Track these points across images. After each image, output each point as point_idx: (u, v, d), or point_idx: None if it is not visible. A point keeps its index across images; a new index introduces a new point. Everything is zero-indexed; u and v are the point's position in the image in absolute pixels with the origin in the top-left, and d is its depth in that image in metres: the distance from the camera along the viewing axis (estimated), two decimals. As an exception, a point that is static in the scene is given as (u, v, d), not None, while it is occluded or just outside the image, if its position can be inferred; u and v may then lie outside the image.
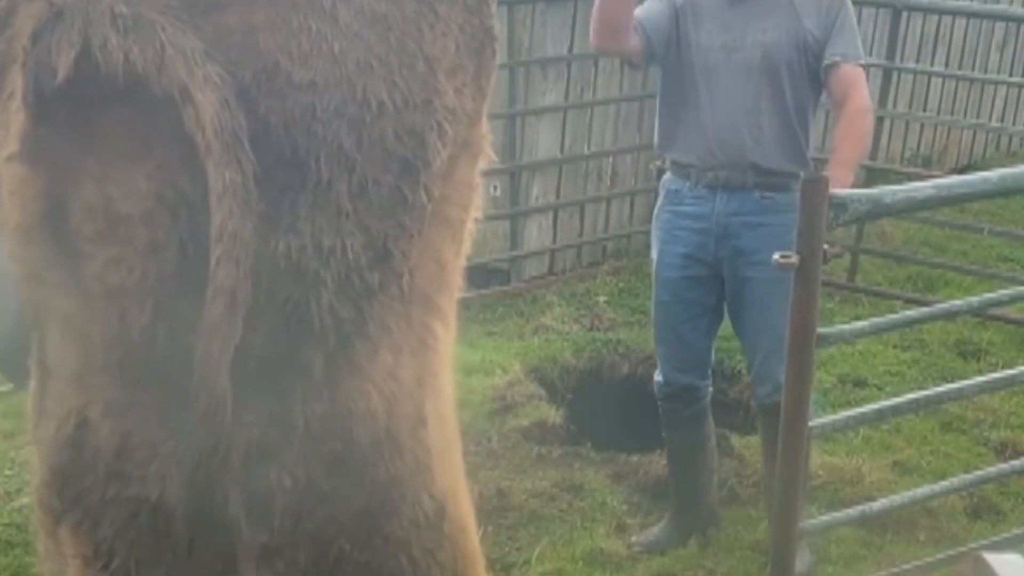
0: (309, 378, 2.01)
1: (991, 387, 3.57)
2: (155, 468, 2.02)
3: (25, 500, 4.46)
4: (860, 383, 5.52)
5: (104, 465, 2.05)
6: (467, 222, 2.24)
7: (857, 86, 3.91)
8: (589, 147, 6.93)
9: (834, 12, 3.92)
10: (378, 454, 2.09)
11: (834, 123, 4.15)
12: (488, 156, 2.25)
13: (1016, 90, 9.26)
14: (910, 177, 7.78)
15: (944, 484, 3.62)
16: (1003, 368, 5.71)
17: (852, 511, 3.44)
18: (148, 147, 1.93)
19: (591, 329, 6.12)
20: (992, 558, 2.05)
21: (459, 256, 2.24)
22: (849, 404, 5.34)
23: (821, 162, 4.49)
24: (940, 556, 3.69)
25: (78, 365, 2.07)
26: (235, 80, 1.90)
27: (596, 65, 6.85)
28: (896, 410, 3.34)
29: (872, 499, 4.42)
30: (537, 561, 4.22)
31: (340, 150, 1.95)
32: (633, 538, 4.34)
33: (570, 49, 6.69)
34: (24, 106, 1.92)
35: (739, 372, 5.45)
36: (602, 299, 6.50)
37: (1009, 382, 3.71)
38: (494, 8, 2.16)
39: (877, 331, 3.53)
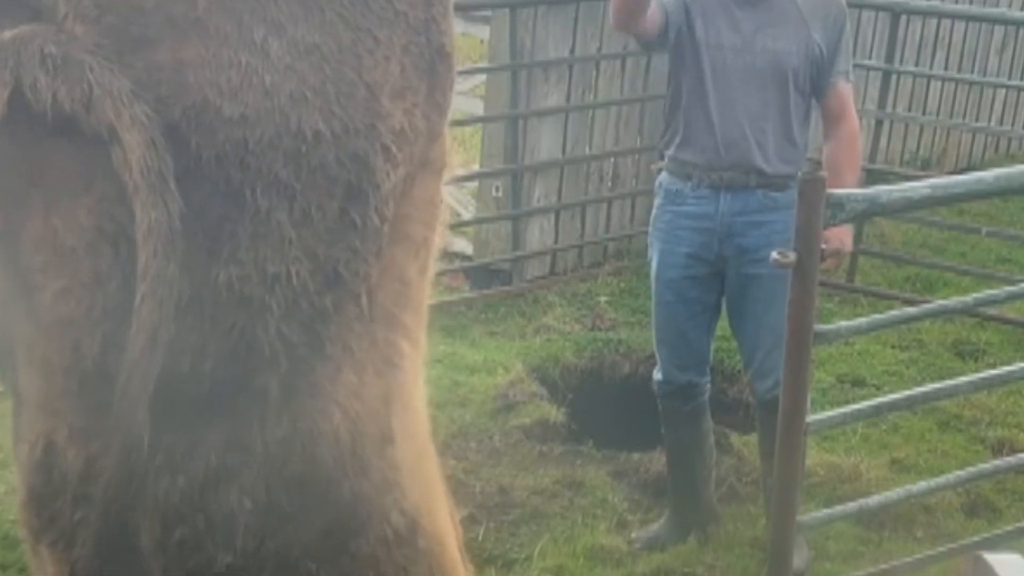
0: (266, 402, 2.03)
1: (986, 384, 3.63)
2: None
3: (32, 497, 4.51)
4: (859, 383, 5.57)
5: (72, 488, 2.08)
6: (432, 238, 2.24)
7: (850, 105, 4.08)
8: (591, 149, 6.97)
9: (839, 25, 4.01)
10: (342, 474, 2.11)
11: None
12: (452, 170, 2.26)
13: (1015, 93, 9.30)
14: (909, 179, 7.84)
15: (939, 480, 3.67)
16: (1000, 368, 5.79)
17: (849, 506, 3.49)
18: (88, 181, 1.95)
19: (592, 329, 6.17)
20: (992, 558, 2.08)
21: (424, 272, 2.25)
22: (848, 403, 5.34)
23: (815, 163, 4.56)
24: (936, 551, 3.74)
25: (43, 391, 2.10)
26: (165, 116, 1.92)
27: (598, 67, 6.90)
28: (892, 406, 3.40)
29: (870, 496, 4.50)
30: (539, 557, 4.27)
31: (277, 180, 1.97)
32: (633, 534, 4.40)
33: (572, 51, 6.74)
34: None
35: (739, 372, 5.50)
36: (603, 299, 6.54)
37: (1003, 380, 3.76)
38: (449, 25, 2.15)
39: (874, 328, 3.58)
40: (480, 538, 4.32)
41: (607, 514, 4.55)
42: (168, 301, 1.90)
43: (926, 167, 8.56)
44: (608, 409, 5.45)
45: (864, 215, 3.00)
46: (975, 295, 3.79)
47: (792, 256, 2.81)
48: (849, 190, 2.94)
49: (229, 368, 1.98)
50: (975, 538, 3.94)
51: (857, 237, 6.90)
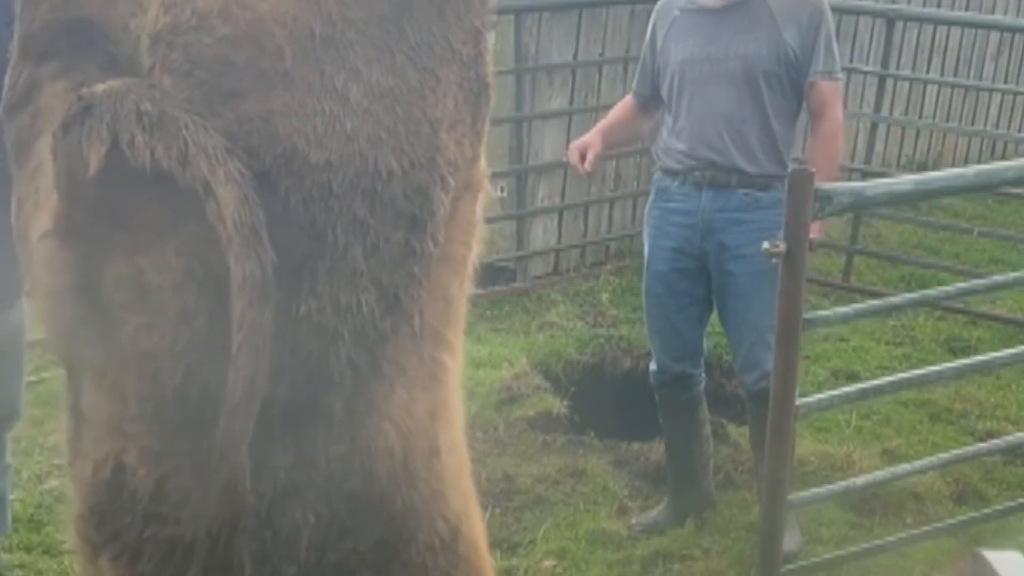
0: (330, 422, 2.10)
1: (968, 371, 3.79)
2: (189, 511, 2.11)
3: (54, 483, 4.68)
4: (852, 377, 5.72)
5: (142, 507, 2.14)
6: (469, 256, 2.33)
7: (832, 104, 4.19)
8: (593, 151, 7.14)
9: (815, 26, 4.14)
10: (395, 487, 2.19)
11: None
12: (488, 192, 2.34)
13: (1011, 97, 9.46)
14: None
15: (924, 462, 3.83)
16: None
17: (837, 486, 3.66)
18: (176, 224, 2.02)
19: (594, 326, 6.33)
20: (992, 555, 2.09)
21: (464, 289, 2.33)
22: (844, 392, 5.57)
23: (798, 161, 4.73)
24: (920, 530, 3.90)
25: (112, 414, 2.15)
26: (256, 165, 1.99)
27: (600, 71, 7.08)
28: (879, 391, 3.56)
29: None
30: (542, 540, 4.44)
31: (355, 218, 2.04)
32: (633, 519, 4.56)
33: (575, 56, 6.92)
34: (57, 190, 2.03)
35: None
36: (605, 297, 6.71)
37: (985, 368, 3.93)
38: (490, 57, 2.25)
39: (860, 316, 3.75)
40: (486, 523, 4.48)
41: (608, 500, 4.71)
42: (264, 349, 1.96)
43: (922, 170, 8.72)
44: (609, 402, 5.60)
45: (851, 208, 3.17)
46: (959, 284, 3.96)
47: (782, 246, 2.97)
48: (836, 184, 3.11)
49: (301, 392, 2.07)
50: (961, 517, 4.10)
51: (853, 238, 7.09)
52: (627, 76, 7.14)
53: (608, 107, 7.09)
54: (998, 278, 3.87)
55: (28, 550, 4.25)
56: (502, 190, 6.90)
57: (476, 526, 2.38)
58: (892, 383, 3.50)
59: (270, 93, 2.02)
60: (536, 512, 4.63)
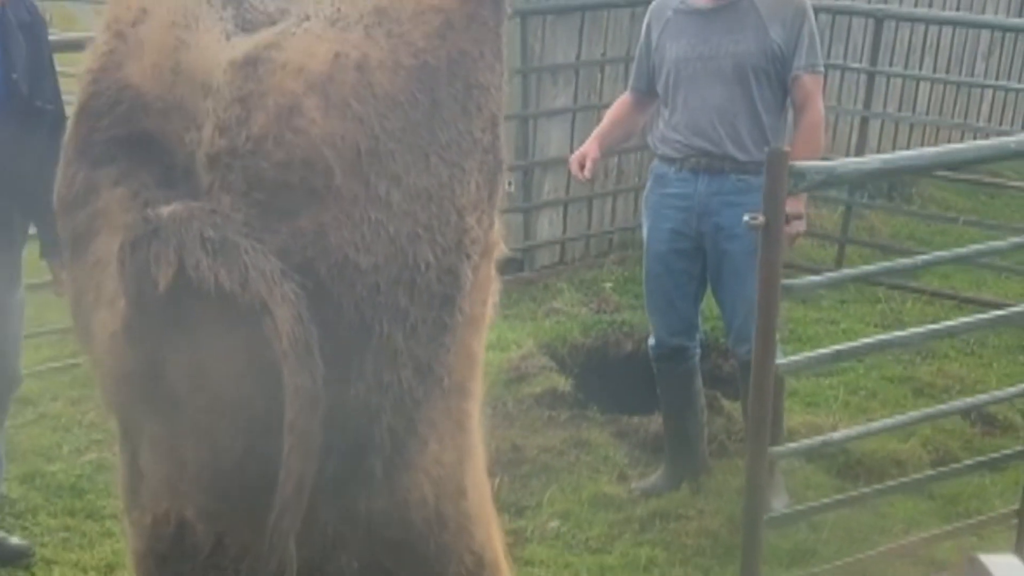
0: (371, 480, 2.33)
1: (936, 336, 4.11)
2: (248, 564, 2.32)
3: (92, 456, 5.02)
4: (841, 357, 6.03)
5: (203, 557, 2.36)
6: (488, 312, 2.53)
7: (814, 96, 4.52)
8: (596, 146, 7.46)
9: (798, 24, 4.47)
10: (429, 530, 2.43)
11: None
12: (501, 249, 2.56)
13: (1002, 95, 9.74)
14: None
15: (892, 420, 4.14)
16: (974, 345, 6.27)
17: (814, 441, 3.97)
18: (236, 327, 2.18)
19: (598, 312, 6.61)
20: (987, 559, 2.11)
21: (482, 341, 2.55)
22: (831, 374, 5.88)
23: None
24: (885, 485, 4.20)
25: (170, 475, 2.34)
26: (312, 276, 2.17)
27: (602, 71, 7.39)
28: (854, 352, 3.89)
29: (847, 451, 5.00)
30: (547, 504, 4.76)
31: (398, 308, 2.25)
32: (632, 484, 4.88)
33: (578, 56, 7.24)
34: (125, 297, 2.23)
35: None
36: (608, 285, 7.02)
37: (950, 331, 4.24)
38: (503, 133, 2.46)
39: (833, 284, 4.08)
40: (495, 488, 4.80)
41: (609, 468, 5.02)
42: (312, 451, 2.16)
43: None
44: (612, 382, 5.91)
45: (823, 185, 3.49)
46: (923, 257, 4.26)
47: (761, 219, 3.30)
48: (809, 162, 3.43)
49: (347, 459, 2.30)
50: (929, 472, 4.41)
51: (844, 228, 7.41)
52: (627, 75, 7.35)
53: (610, 105, 7.45)
54: (926, 257, 4.19)
55: (72, 514, 4.58)
56: (509, 184, 7.22)
57: (497, 548, 2.64)
58: (865, 346, 3.82)
59: (322, 208, 2.19)
60: (542, 479, 4.94)
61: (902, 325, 6.50)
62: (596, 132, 4.88)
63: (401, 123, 2.24)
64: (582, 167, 4.68)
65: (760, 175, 4.43)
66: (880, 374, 5.83)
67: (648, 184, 4.75)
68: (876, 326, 6.43)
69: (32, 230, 4.14)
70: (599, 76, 7.38)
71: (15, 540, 4.31)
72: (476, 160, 2.36)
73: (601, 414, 5.45)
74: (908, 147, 9.31)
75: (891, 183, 8.58)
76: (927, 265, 4.72)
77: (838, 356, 3.76)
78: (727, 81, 4.48)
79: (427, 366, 2.32)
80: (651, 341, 4.82)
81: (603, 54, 7.35)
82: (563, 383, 5.69)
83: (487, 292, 2.52)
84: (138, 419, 2.37)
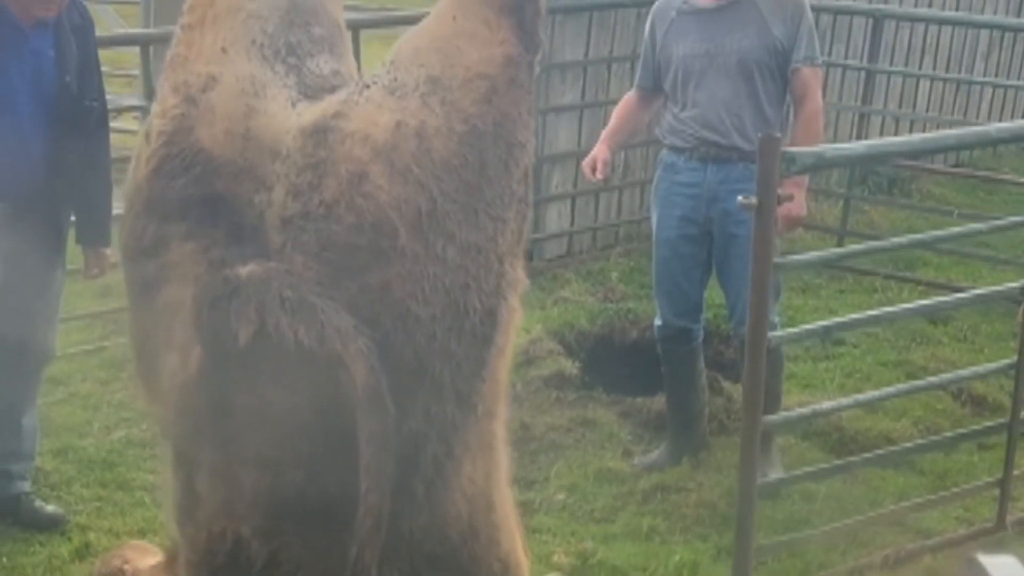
0: (413, 500, 2.54)
1: (918, 312, 4.34)
2: None
3: (121, 433, 5.27)
4: (839, 341, 6.26)
5: (256, 571, 2.55)
6: (512, 339, 2.74)
7: (813, 87, 4.77)
8: (603, 142, 7.71)
9: (797, 20, 4.73)
10: (463, 543, 2.65)
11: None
12: (526, 284, 2.78)
13: (1001, 93, 9.94)
14: (898, 171, 8.58)
15: (878, 393, 4.37)
16: (967, 332, 6.49)
17: (805, 410, 4.21)
18: (304, 369, 2.38)
19: (604, 300, 6.84)
20: (987, 560, 2.16)
21: (508, 365, 2.78)
22: (828, 358, 6.11)
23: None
24: (872, 454, 4.43)
25: (228, 499, 2.51)
26: (379, 329, 2.37)
27: (609, 69, 7.63)
28: (842, 326, 4.12)
29: (841, 429, 5.23)
30: (555, 477, 4.99)
31: (449, 352, 2.48)
32: (636, 460, 5.12)
33: (586, 55, 7.48)
34: (202, 346, 2.44)
35: (732, 336, 6.20)
36: (614, 276, 7.25)
37: (934, 309, 4.48)
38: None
39: (824, 264, 4.31)
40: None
41: (614, 445, 5.26)
42: (387, 489, 2.37)
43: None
44: (617, 368, 6.13)
45: (813, 168, 3.73)
46: (897, 239, 4.47)
47: (755, 200, 3.54)
48: (799, 148, 3.67)
49: (396, 484, 2.49)
50: (914, 443, 4.63)
51: (843, 221, 7.64)
52: (633, 73, 7.60)
53: (616, 102, 7.67)
54: (875, 243, 4.43)
55: (104, 486, 4.83)
56: (519, 178, 7.47)
57: (519, 552, 2.87)
58: (853, 321, 4.06)
59: (387, 266, 2.41)
60: (550, 455, 5.18)
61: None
62: (605, 134, 5.13)
63: (455, 184, 2.47)
64: (594, 170, 4.91)
65: None
66: (875, 359, 6.05)
67: (657, 173, 4.99)
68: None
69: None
70: (606, 73, 7.62)
71: (51, 508, 4.56)
72: (514, 211, 2.58)
73: (606, 395, 5.68)
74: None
75: (891, 180, 8.81)
76: (910, 247, 4.95)
77: (827, 331, 4.00)
78: (732, 76, 4.73)
79: (467, 397, 2.55)
80: (657, 322, 5.05)
81: (610, 52, 7.59)
82: (570, 366, 5.91)
83: (513, 323, 2.72)
84: (199, 449, 2.56)
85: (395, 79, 2.52)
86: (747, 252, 4.63)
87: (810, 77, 4.73)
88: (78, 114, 4.08)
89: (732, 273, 4.81)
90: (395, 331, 2.41)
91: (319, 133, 2.45)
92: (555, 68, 7.34)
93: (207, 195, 2.53)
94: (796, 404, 5.35)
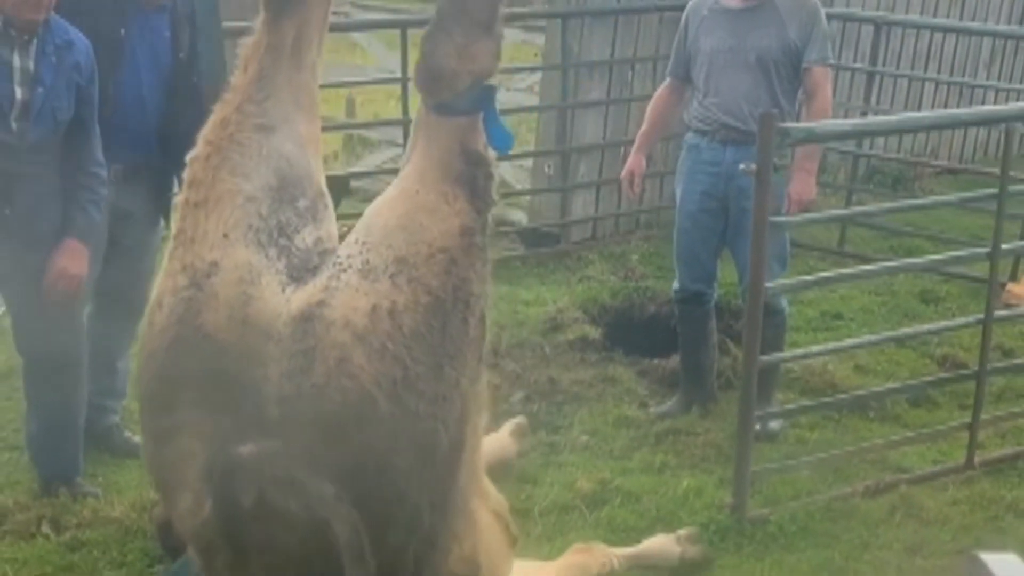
0: None
1: (892, 271, 4.99)
2: None
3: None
4: (838, 317, 6.89)
5: None
6: (480, 449, 3.10)
7: (823, 85, 5.43)
8: (627, 135, 8.28)
9: (811, 24, 5.38)
10: None
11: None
12: (483, 378, 3.07)
13: (1003, 96, 10.49)
14: (902, 171, 9.19)
15: (856, 340, 4.99)
16: (955, 311, 7.08)
17: (797, 352, 4.83)
18: (301, 521, 2.76)
19: (625, 279, 7.46)
20: (988, 557, 2.16)
21: (480, 443, 3.12)
22: (827, 330, 6.72)
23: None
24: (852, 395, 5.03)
25: None
26: (360, 481, 2.70)
27: (633, 68, 8.28)
28: (836, 279, 4.75)
29: (835, 386, 5.84)
30: (578, 423, 5.60)
31: (423, 484, 2.80)
32: (651, 409, 5.75)
33: (612, 55, 8.14)
34: (212, 507, 2.79)
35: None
36: (635, 258, 7.86)
37: (907, 268, 5.11)
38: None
39: (820, 221, 4.93)
40: (535, 412, 5.68)
41: (631, 398, 5.88)
42: None
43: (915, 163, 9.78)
44: (635, 337, 6.72)
45: (804, 141, 4.37)
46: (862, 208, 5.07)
47: (754, 167, 4.18)
48: (792, 123, 4.32)
49: None
50: (889, 387, 5.23)
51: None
52: (656, 72, 8.32)
53: (639, 98, 8.33)
54: (865, 208, 5.02)
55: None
56: (549, 167, 8.14)
57: None
58: (840, 276, 4.69)
59: (368, 430, 2.73)
60: (574, 405, 5.79)
61: (894, 294, 7.35)
62: (638, 142, 5.80)
63: (423, 349, 2.79)
64: (631, 184, 5.65)
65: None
66: (870, 331, 6.64)
67: (682, 154, 5.65)
68: (871, 293, 7.27)
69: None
70: (630, 73, 8.29)
71: (137, 439, 5.17)
72: (473, 350, 2.89)
73: (625, 357, 6.30)
74: (912, 147, 10.15)
75: (895, 178, 9.43)
76: (889, 212, 5.57)
77: (819, 281, 4.64)
78: (752, 70, 5.37)
79: (443, 503, 2.88)
80: (675, 286, 5.67)
81: (634, 53, 8.25)
82: (593, 332, 6.55)
83: (481, 412, 3.08)
84: (212, 557, 2.94)
85: (367, 261, 2.85)
86: None
87: (820, 76, 5.37)
88: (187, 89, 4.75)
89: (743, 244, 5.37)
90: (376, 479, 2.74)
91: (306, 321, 2.79)
92: (583, 67, 7.99)
93: (213, 370, 2.85)
94: (795, 365, 5.98)
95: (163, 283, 2.98)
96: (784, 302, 5.53)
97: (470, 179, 2.95)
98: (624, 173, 5.71)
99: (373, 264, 2.84)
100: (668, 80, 5.76)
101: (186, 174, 3.07)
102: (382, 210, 2.96)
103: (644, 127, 5.83)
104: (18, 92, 4.21)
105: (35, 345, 4.55)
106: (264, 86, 3.07)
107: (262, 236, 2.95)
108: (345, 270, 2.84)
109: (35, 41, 4.24)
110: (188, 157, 3.09)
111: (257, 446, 2.71)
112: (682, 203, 5.60)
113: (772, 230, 4.60)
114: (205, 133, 3.07)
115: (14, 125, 4.22)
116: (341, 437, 2.72)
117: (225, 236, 2.93)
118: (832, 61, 5.52)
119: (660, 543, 4.32)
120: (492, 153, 3.01)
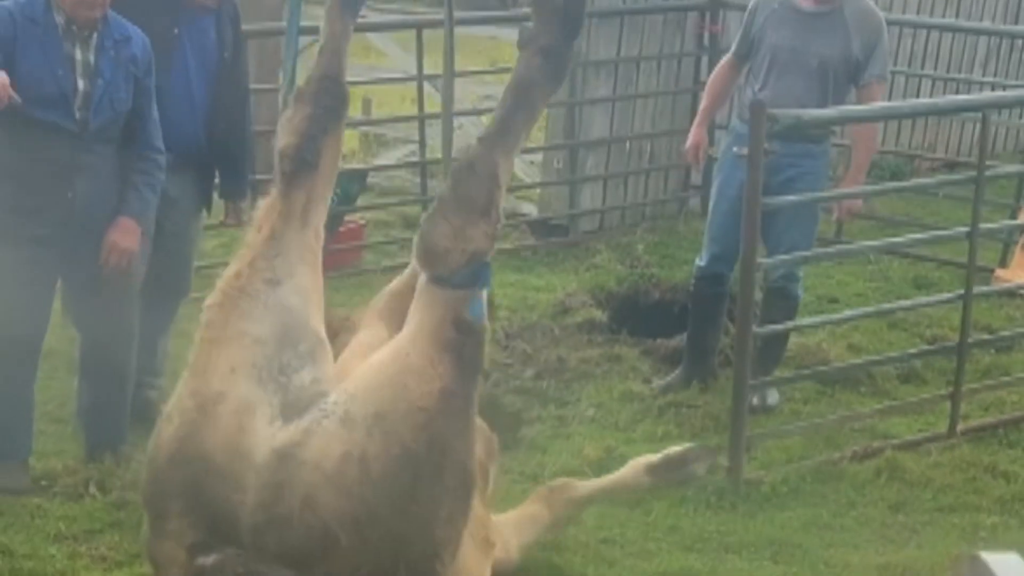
0: None
1: (879, 251, 5.34)
2: None
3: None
4: (833, 300, 7.22)
5: None
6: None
7: (877, 100, 5.65)
8: (632, 131, 8.71)
9: (877, 37, 5.63)
10: None
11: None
12: (493, 545, 3.64)
13: (1000, 91, 10.77)
14: (900, 164, 9.51)
15: (853, 312, 5.34)
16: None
17: (786, 326, 5.18)
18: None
19: (631, 267, 7.77)
20: (989, 557, 2.18)
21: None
22: (824, 313, 7.02)
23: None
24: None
25: None
26: None
27: (638, 67, 8.61)
28: (825, 256, 5.16)
29: (828, 363, 6.16)
30: (585, 398, 5.94)
31: None
32: (654, 384, 6.08)
33: (617, 53, 8.48)
34: None
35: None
36: (640, 248, 8.15)
37: (891, 248, 5.44)
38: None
39: (810, 199, 5.26)
40: (544, 388, 6.03)
41: (636, 374, 6.21)
42: None
43: (912, 156, 10.09)
44: (640, 322, 7.03)
45: (793, 128, 4.71)
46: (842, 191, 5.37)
47: (746, 151, 4.53)
48: (781, 110, 4.66)
49: None
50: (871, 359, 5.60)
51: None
52: (660, 71, 8.70)
53: (644, 96, 8.67)
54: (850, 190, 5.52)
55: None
56: (558, 161, 8.49)
57: None
58: (837, 252, 5.03)
59: (331, 560, 3.08)
60: (582, 382, 6.12)
61: (888, 280, 7.68)
62: (700, 117, 6.07)
63: (389, 494, 3.09)
64: (696, 156, 5.94)
65: (821, 143, 5.65)
66: (863, 314, 6.97)
67: (725, 142, 5.88)
68: (866, 279, 7.60)
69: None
70: (636, 71, 8.62)
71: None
72: (448, 501, 3.17)
73: (631, 337, 6.64)
74: (910, 143, 10.44)
75: (892, 172, 9.74)
76: (874, 195, 5.92)
77: (814, 256, 4.99)
78: (811, 75, 5.58)
79: None
80: (699, 263, 5.92)
81: (639, 52, 8.58)
82: (600, 315, 6.88)
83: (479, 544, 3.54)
84: None
85: (348, 411, 3.19)
86: (793, 217, 5.46)
87: (877, 92, 5.62)
88: (231, 86, 5.14)
89: (776, 231, 5.54)
90: None
91: (284, 458, 3.14)
92: (590, 65, 8.32)
93: (201, 485, 3.25)
94: (792, 345, 6.31)
95: (176, 402, 3.39)
96: (799, 289, 5.81)
97: (458, 347, 3.26)
98: (688, 146, 5.96)
99: (353, 415, 3.18)
100: (730, 57, 5.96)
101: (202, 317, 3.49)
102: (375, 366, 3.34)
103: (704, 103, 6.08)
104: (80, 83, 4.55)
105: (92, 321, 4.87)
106: (275, 244, 3.52)
107: (263, 373, 3.35)
108: (327, 416, 3.21)
109: (95, 36, 4.59)
110: (205, 303, 3.52)
111: (221, 554, 3.12)
112: (723, 187, 5.75)
113: (807, 218, 4.95)
114: (220, 284, 3.51)
115: (77, 114, 4.56)
116: (306, 563, 3.07)
117: (232, 371, 3.33)
118: (888, 78, 5.76)
119: (630, 475, 4.56)
120: (485, 323, 3.31)
